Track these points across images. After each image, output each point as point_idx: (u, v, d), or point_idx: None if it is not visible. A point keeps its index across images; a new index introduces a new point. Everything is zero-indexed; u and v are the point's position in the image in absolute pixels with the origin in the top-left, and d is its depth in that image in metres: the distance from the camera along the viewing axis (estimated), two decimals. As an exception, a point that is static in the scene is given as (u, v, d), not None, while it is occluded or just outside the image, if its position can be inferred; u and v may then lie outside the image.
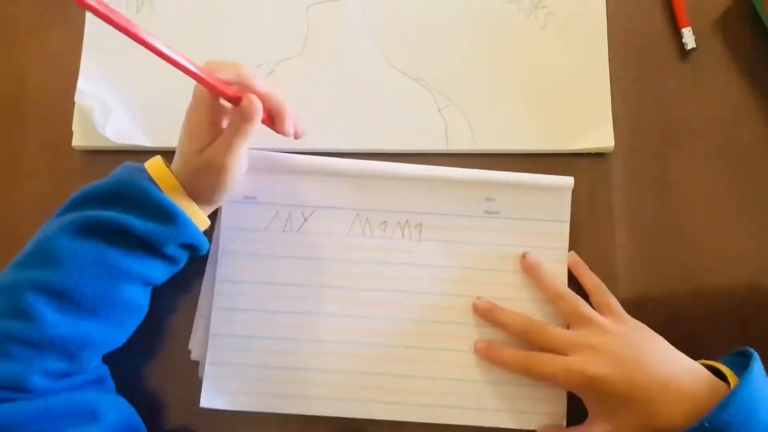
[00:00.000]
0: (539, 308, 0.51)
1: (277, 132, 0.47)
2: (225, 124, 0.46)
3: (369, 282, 0.51)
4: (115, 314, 0.43)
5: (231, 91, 0.43)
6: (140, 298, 0.45)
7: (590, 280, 0.50)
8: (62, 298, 0.41)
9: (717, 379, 0.43)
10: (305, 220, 0.52)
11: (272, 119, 0.46)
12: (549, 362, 0.46)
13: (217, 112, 0.45)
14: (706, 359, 0.45)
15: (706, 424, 0.39)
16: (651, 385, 0.43)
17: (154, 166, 0.45)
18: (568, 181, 0.52)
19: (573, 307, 0.48)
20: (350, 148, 0.53)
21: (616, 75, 0.54)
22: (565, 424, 0.49)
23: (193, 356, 0.51)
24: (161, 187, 0.44)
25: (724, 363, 0.45)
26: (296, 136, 0.49)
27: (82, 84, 0.54)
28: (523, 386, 0.49)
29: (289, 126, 0.46)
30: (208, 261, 0.51)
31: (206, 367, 0.50)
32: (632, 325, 0.47)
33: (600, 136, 0.53)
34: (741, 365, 0.42)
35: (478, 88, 0.55)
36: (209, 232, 0.50)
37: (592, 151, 0.53)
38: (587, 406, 0.47)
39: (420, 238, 0.52)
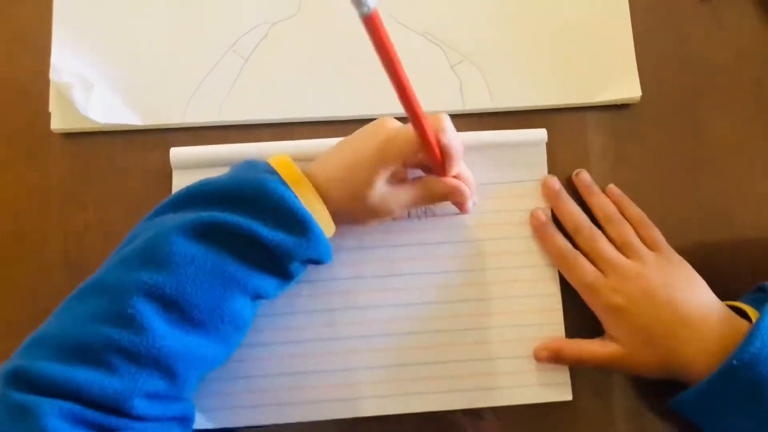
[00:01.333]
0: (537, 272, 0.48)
1: (436, 172, 0.44)
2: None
3: (344, 271, 0.47)
4: (223, 329, 0.39)
5: (437, 151, 0.41)
6: (248, 313, 0.41)
7: (634, 212, 0.48)
8: (172, 307, 0.37)
9: (742, 319, 0.43)
10: None
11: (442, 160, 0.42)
12: (583, 270, 0.46)
13: (412, 160, 0.43)
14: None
15: (734, 362, 0.39)
16: (676, 321, 0.43)
17: (282, 164, 0.41)
18: (541, 134, 0.48)
19: (620, 236, 0.47)
20: (353, 114, 0.49)
21: (636, 20, 0.51)
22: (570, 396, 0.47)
23: None
24: (293, 189, 0.40)
25: (746, 302, 0.44)
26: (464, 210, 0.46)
27: (56, 60, 0.49)
28: (524, 358, 0.46)
29: (454, 170, 0.43)
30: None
31: None
32: (675, 260, 0.46)
33: (626, 86, 0.50)
34: (763, 301, 0.42)
35: (492, 41, 0.51)
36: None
37: (618, 103, 0.51)
38: (605, 329, 0.46)
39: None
